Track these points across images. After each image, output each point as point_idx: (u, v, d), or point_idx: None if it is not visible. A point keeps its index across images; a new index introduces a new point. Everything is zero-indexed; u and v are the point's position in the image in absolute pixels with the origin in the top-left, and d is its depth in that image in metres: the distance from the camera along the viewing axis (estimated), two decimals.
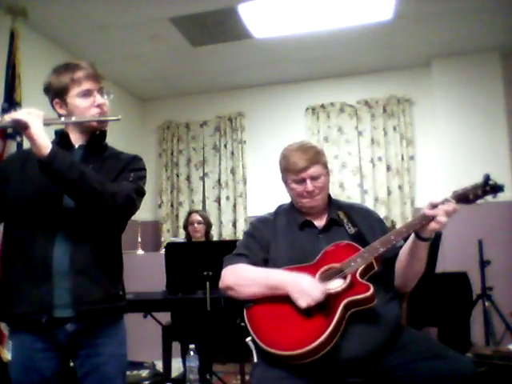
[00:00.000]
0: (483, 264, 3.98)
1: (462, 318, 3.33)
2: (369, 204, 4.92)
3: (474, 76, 4.76)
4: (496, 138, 4.64)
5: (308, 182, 1.83)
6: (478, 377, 1.59)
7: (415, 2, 3.90)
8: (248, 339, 1.71)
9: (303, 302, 1.61)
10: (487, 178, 1.69)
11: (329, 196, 1.95)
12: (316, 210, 1.90)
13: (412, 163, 5.03)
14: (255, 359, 1.70)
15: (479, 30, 4.33)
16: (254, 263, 1.81)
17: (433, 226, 1.63)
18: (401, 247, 1.78)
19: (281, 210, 1.98)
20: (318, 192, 1.86)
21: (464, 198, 1.68)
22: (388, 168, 5.05)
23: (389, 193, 5.02)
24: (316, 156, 1.86)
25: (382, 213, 4.89)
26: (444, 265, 3.74)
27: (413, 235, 1.69)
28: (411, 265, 1.73)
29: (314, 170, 1.84)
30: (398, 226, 4.69)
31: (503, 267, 4.18)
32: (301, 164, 1.83)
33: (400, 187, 4.99)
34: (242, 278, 1.77)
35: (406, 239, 1.77)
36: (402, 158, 5.03)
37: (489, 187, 1.68)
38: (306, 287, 1.63)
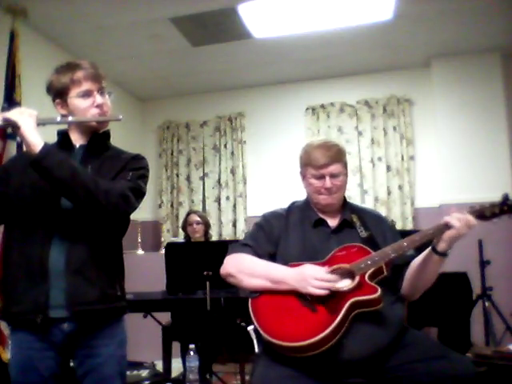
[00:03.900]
0: (483, 264, 3.97)
1: (462, 318, 3.33)
2: (369, 204, 4.92)
3: (474, 76, 4.76)
4: (496, 138, 4.63)
5: (327, 178, 1.84)
6: (478, 377, 1.59)
7: (415, 2, 3.90)
8: (250, 328, 1.71)
9: (313, 289, 1.62)
10: (506, 197, 1.68)
11: (344, 198, 1.96)
12: (331, 209, 1.90)
13: (412, 163, 5.03)
14: (256, 349, 1.70)
15: (479, 30, 4.33)
16: (259, 255, 1.81)
17: (449, 233, 1.62)
18: (411, 256, 1.79)
19: (294, 207, 1.98)
20: (336, 190, 1.87)
21: (480, 214, 1.68)
22: (388, 168, 5.04)
23: (389, 193, 5.01)
24: (338, 154, 1.87)
25: (381, 213, 4.87)
26: (444, 265, 3.74)
27: (429, 248, 1.69)
28: (420, 276, 1.74)
29: (335, 167, 1.85)
30: (398, 226, 4.69)
31: (503, 267, 4.18)
32: (322, 160, 1.83)
33: (400, 187, 4.99)
34: (244, 267, 1.77)
35: (418, 248, 1.76)
36: (402, 158, 5.02)
37: (507, 207, 1.67)
38: (308, 274, 1.65)
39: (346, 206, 1.95)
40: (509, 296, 4.02)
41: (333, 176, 1.85)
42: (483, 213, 1.68)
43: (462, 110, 4.75)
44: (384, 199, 5.00)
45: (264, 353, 1.67)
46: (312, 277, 1.64)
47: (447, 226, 1.63)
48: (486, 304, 3.83)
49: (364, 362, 1.61)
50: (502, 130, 4.65)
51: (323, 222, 1.88)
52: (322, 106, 5.29)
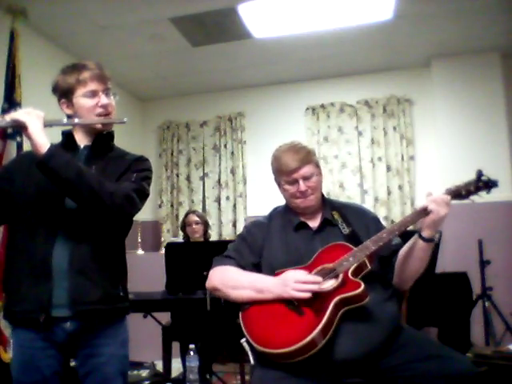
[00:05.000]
0: (483, 264, 3.98)
1: (462, 318, 3.33)
2: (369, 204, 4.92)
3: (474, 76, 4.75)
4: (496, 138, 4.63)
5: (300, 182, 1.83)
6: (478, 377, 1.59)
7: (415, 2, 3.90)
8: (242, 340, 1.72)
9: (294, 292, 1.63)
10: (480, 173, 1.70)
11: (322, 196, 1.96)
12: (310, 211, 1.90)
13: (412, 163, 5.03)
14: (251, 361, 1.71)
15: (479, 30, 4.33)
16: (242, 267, 1.82)
17: (430, 217, 1.64)
18: (398, 245, 1.79)
19: (275, 213, 1.98)
20: (311, 192, 1.86)
21: (456, 193, 1.69)
22: (388, 168, 5.04)
23: (389, 193, 5.01)
24: (307, 156, 1.86)
25: (381, 213, 4.89)
26: (444, 265, 3.74)
27: (416, 234, 1.70)
28: (408, 263, 1.73)
29: (306, 170, 1.84)
30: None
31: (503, 267, 4.18)
32: (292, 165, 1.83)
33: (400, 187, 4.99)
34: (228, 280, 1.78)
35: (402, 237, 1.77)
36: (402, 158, 5.02)
37: (481, 183, 1.69)
38: (289, 278, 1.66)
39: (325, 205, 1.94)
40: (509, 296, 4.03)
41: (305, 178, 1.84)
42: (459, 192, 1.69)
43: (462, 110, 4.75)
44: (384, 199, 5.00)
45: (258, 359, 1.68)
46: (292, 280, 1.65)
47: (426, 211, 1.64)
48: (486, 304, 3.84)
49: (359, 361, 1.61)
50: (502, 129, 4.65)
51: (304, 225, 1.88)
52: (322, 106, 5.29)
